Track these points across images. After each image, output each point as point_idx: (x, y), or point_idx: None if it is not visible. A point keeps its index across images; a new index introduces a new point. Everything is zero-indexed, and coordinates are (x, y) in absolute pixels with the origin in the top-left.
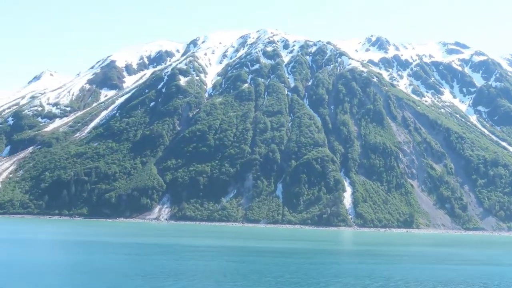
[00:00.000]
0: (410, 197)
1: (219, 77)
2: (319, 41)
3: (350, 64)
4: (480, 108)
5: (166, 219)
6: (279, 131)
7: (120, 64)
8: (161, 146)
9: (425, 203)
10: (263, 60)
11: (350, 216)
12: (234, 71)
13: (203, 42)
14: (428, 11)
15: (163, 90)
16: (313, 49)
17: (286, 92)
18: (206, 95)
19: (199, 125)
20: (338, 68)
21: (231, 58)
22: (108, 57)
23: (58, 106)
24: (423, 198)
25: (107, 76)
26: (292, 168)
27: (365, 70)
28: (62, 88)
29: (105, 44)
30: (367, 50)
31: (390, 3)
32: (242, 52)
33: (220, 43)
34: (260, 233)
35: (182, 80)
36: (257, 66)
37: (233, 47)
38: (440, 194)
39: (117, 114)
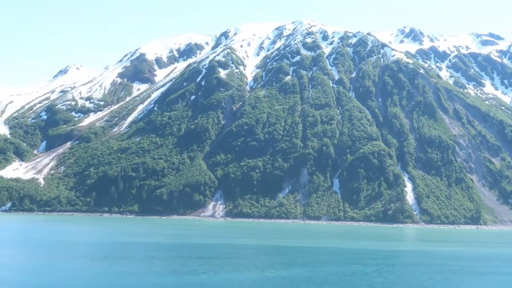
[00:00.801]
0: (472, 192)
1: (258, 70)
2: (359, 32)
3: (394, 55)
4: None
5: (222, 216)
6: (329, 124)
7: (150, 57)
8: (208, 140)
9: (488, 199)
10: (304, 51)
11: (415, 212)
12: (274, 63)
13: (235, 34)
14: (457, 2)
15: (203, 83)
16: (353, 40)
17: (331, 85)
18: (248, 87)
19: (245, 119)
20: (382, 59)
21: (268, 50)
22: (136, 50)
23: (92, 100)
24: (485, 193)
25: (138, 70)
26: (348, 163)
27: (410, 61)
28: (93, 82)
29: (131, 37)
30: (401, 41)
31: None
32: (279, 44)
33: (254, 35)
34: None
35: (222, 73)
36: (298, 58)
37: (269, 39)
38: (502, 189)
39: (155, 108)
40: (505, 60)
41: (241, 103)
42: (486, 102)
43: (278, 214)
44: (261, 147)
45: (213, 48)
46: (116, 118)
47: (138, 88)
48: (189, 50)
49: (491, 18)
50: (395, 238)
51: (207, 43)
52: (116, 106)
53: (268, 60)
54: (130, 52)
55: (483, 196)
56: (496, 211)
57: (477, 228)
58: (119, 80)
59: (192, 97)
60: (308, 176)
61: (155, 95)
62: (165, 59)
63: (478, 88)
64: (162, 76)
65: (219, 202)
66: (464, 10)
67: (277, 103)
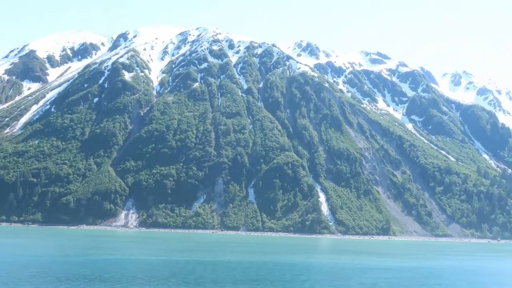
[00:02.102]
0: (379, 203)
1: (164, 74)
2: (264, 42)
3: (300, 68)
4: (414, 117)
5: (136, 226)
6: (242, 133)
7: (41, 54)
8: (115, 146)
9: (394, 210)
10: (211, 59)
11: (331, 223)
12: (180, 69)
13: (134, 36)
14: (346, 21)
15: (106, 85)
16: (259, 50)
17: (240, 94)
18: (155, 92)
19: (155, 125)
20: (288, 71)
21: (173, 55)
22: (25, 46)
23: None
24: (390, 205)
25: (28, 67)
26: (263, 173)
27: (316, 75)
28: None
29: (15, 32)
30: (299, 55)
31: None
32: (184, 49)
33: (156, 38)
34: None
35: (127, 76)
36: (205, 65)
37: (173, 43)
38: (405, 201)
39: (53, 109)
40: (394, 78)
41: (148, 108)
42: (381, 117)
43: (195, 224)
44: (173, 154)
45: (111, 49)
46: (7, 119)
47: (29, 87)
48: (84, 50)
49: (378, 38)
50: (316, 250)
51: (103, 44)
52: (5, 105)
53: (174, 65)
54: (18, 48)
55: (389, 207)
56: (402, 222)
57: (388, 238)
58: (6, 77)
59: (95, 100)
60: (224, 186)
61: (51, 95)
62: (58, 58)
63: (372, 104)
64: (55, 75)
65: (131, 211)
66: (352, 29)
67: (187, 109)
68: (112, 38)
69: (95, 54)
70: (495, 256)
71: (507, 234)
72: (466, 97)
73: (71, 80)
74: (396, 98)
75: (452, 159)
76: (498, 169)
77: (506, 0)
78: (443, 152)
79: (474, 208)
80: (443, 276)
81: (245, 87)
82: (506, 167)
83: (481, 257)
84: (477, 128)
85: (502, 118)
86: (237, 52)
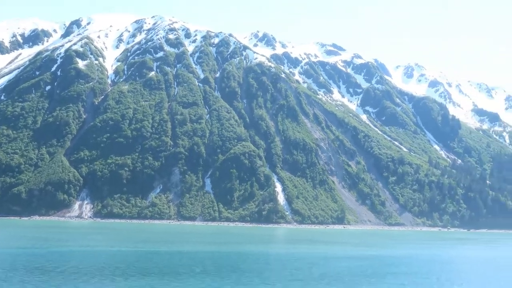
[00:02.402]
0: (334, 193)
1: (119, 63)
2: (221, 32)
3: (257, 58)
4: (368, 108)
5: (91, 217)
6: (199, 123)
7: None
8: (69, 135)
9: (348, 200)
10: (167, 48)
11: (287, 213)
12: (136, 57)
13: (88, 23)
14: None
15: (59, 73)
16: (216, 40)
17: (197, 83)
18: (109, 81)
19: (110, 114)
20: (245, 61)
21: (128, 43)
22: None
23: None
24: (345, 195)
25: None
26: (220, 163)
27: (273, 65)
28: None
29: None
30: (256, 45)
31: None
32: (140, 37)
33: (111, 26)
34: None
35: (81, 64)
36: (161, 53)
37: (128, 31)
38: (360, 191)
39: (3, 97)
40: (349, 70)
41: (103, 96)
42: (337, 108)
43: (151, 214)
44: (129, 144)
45: (63, 36)
46: None
47: None
48: (35, 37)
49: (333, 29)
50: (274, 239)
51: (55, 31)
52: None
53: (129, 54)
54: None
55: (344, 197)
56: (356, 212)
57: (343, 227)
58: None
59: (48, 88)
60: (180, 176)
61: (0, 82)
62: (7, 44)
63: (328, 95)
64: (4, 62)
65: (86, 202)
66: (308, 20)
67: (142, 99)
68: (64, 25)
69: (47, 41)
70: (447, 244)
71: (457, 223)
72: (418, 89)
73: (21, 67)
74: (351, 90)
75: (405, 149)
76: (448, 159)
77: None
78: (396, 143)
79: (426, 197)
80: (401, 264)
81: (202, 76)
82: (456, 158)
83: (435, 246)
84: (429, 120)
85: (452, 110)
86: (194, 41)
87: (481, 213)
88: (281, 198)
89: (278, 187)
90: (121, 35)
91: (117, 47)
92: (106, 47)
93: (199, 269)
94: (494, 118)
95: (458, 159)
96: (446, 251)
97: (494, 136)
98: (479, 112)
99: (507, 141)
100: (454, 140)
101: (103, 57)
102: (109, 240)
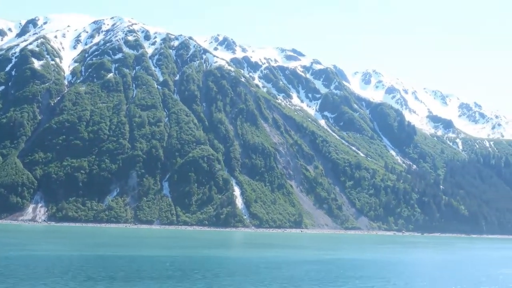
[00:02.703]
0: (292, 197)
1: (77, 64)
2: (181, 35)
3: (217, 62)
4: (326, 113)
5: (45, 220)
6: (157, 126)
7: None
8: (23, 136)
9: (306, 204)
10: (126, 49)
11: (245, 217)
12: (94, 58)
13: (44, 23)
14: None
15: (13, 73)
16: (176, 43)
17: (156, 86)
18: (66, 82)
19: (66, 116)
20: (205, 65)
21: (86, 44)
22: None
23: None
24: (303, 199)
25: None
26: (178, 166)
27: (232, 69)
28: None
29: None
30: (216, 49)
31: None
32: (98, 38)
33: (69, 26)
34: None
35: (36, 64)
36: (120, 55)
37: (87, 32)
38: (317, 195)
39: None
40: (308, 75)
41: (59, 98)
42: (295, 113)
43: (107, 218)
44: (85, 146)
45: (19, 35)
46: None
47: None
48: None
49: (293, 35)
50: (232, 243)
51: (10, 30)
52: None
53: (87, 55)
54: None
55: (302, 201)
56: (314, 216)
57: (301, 231)
58: None
59: (1, 88)
60: (137, 179)
61: None
62: None
63: (287, 100)
64: None
65: (40, 205)
66: (269, 25)
67: (100, 100)
68: (20, 23)
69: (1, 40)
70: (403, 248)
71: (411, 227)
72: (375, 95)
73: None
74: (309, 95)
75: (362, 154)
76: (404, 164)
77: (410, 3)
78: (353, 148)
79: (382, 202)
80: (361, 268)
81: (161, 79)
82: (411, 163)
83: (392, 249)
84: (385, 125)
85: (408, 117)
86: (153, 43)
87: (434, 217)
88: (239, 202)
89: (237, 191)
90: (79, 35)
91: (74, 47)
92: (63, 48)
93: (157, 274)
94: (448, 124)
95: (413, 164)
96: (405, 255)
97: (448, 142)
98: (434, 119)
99: (460, 147)
100: (409, 146)
101: (60, 58)
102: (67, 245)
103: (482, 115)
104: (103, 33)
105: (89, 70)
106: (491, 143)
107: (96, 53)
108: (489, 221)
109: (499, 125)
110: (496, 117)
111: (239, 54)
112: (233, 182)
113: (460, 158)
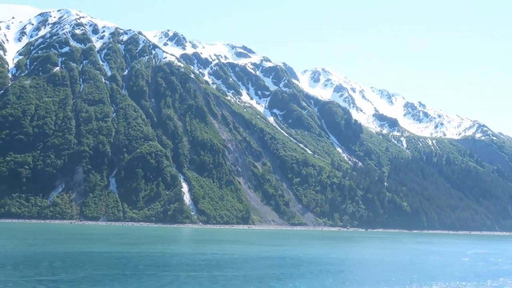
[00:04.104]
0: (240, 194)
1: (22, 57)
2: (130, 30)
3: (166, 57)
4: (275, 111)
5: None
6: (105, 121)
7: None
8: None
9: (253, 200)
10: (73, 43)
11: (192, 213)
12: (40, 51)
13: None
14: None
15: None
16: (125, 37)
17: (104, 81)
18: (10, 75)
19: (9, 109)
20: (154, 60)
21: (32, 37)
22: None
23: None
24: (251, 195)
25: None
26: (126, 162)
27: (182, 65)
28: None
29: None
30: (165, 44)
31: None
32: (44, 31)
33: (13, 17)
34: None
35: None
36: (67, 49)
37: (32, 24)
38: (265, 191)
39: None
40: (258, 73)
41: (2, 91)
42: (245, 110)
43: (52, 214)
44: (30, 141)
45: None
46: None
47: None
48: None
49: (243, 31)
50: (179, 240)
51: None
52: None
53: (32, 48)
54: None
55: (250, 197)
56: (261, 212)
57: (248, 227)
58: None
59: None
60: (84, 175)
61: None
62: None
63: (236, 97)
64: None
65: None
66: (219, 21)
67: (45, 95)
68: None
69: None
70: (349, 244)
71: (356, 223)
72: (324, 93)
73: None
74: (259, 92)
75: (309, 152)
76: (350, 162)
77: (358, 5)
78: (301, 145)
79: (327, 198)
80: (309, 264)
81: (109, 74)
82: (357, 160)
83: (339, 245)
84: (333, 123)
85: (355, 115)
86: (102, 37)
87: (378, 213)
88: (187, 198)
89: (185, 187)
90: (24, 27)
91: (19, 40)
92: (7, 40)
93: (101, 270)
94: (393, 123)
95: (359, 161)
96: (353, 251)
97: (393, 140)
98: (380, 118)
99: (404, 145)
100: (356, 144)
101: (4, 50)
102: (9, 241)
103: (426, 114)
104: (50, 25)
105: (35, 63)
106: (434, 141)
107: (42, 46)
108: (430, 217)
109: (441, 124)
110: (439, 116)
111: (189, 50)
112: (181, 178)
113: (404, 156)
